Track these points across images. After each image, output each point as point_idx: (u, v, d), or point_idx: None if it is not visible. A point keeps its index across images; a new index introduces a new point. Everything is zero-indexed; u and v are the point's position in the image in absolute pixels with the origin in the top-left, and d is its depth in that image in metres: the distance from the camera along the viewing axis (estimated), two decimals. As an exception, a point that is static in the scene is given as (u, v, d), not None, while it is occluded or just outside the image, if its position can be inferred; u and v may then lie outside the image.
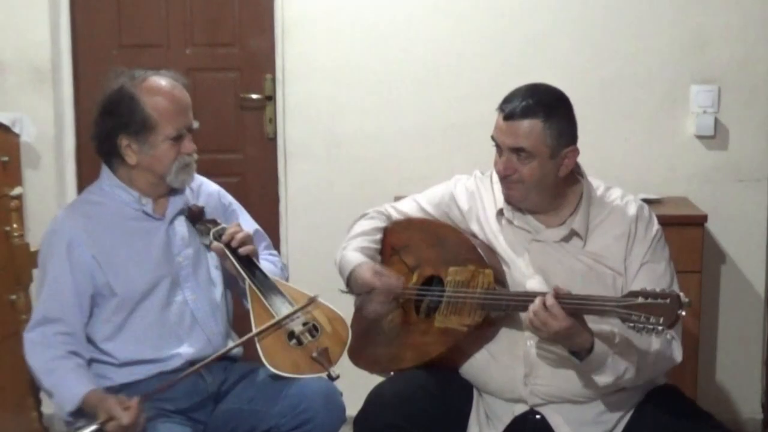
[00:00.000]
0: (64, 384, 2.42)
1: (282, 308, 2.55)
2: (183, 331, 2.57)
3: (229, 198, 2.83)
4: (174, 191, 2.65)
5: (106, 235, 2.55)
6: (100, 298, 2.53)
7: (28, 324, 2.53)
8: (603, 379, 2.35)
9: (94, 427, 2.32)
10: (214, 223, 2.66)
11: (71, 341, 2.48)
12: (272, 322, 2.51)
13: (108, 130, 2.56)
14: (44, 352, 2.46)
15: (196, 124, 2.61)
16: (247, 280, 2.58)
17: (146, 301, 2.55)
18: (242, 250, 2.60)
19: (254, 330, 2.51)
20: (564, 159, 2.47)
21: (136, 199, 2.60)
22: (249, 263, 2.61)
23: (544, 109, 2.43)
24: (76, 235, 2.53)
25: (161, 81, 2.57)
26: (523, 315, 2.41)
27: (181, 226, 2.65)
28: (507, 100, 2.48)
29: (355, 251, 2.63)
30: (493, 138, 2.51)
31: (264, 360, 2.47)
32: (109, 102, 2.57)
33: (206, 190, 2.78)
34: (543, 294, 2.32)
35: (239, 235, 2.60)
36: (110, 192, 2.61)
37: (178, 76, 2.63)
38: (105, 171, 2.63)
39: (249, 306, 2.57)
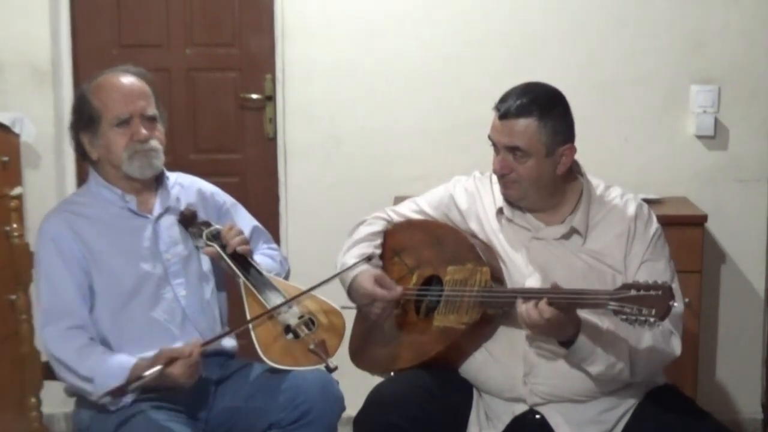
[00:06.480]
0: (105, 362, 2.42)
1: (276, 301, 2.56)
2: (174, 328, 2.58)
3: (223, 197, 2.84)
4: (159, 188, 2.68)
5: (92, 233, 2.57)
6: (91, 294, 2.54)
7: (38, 325, 2.53)
8: (594, 368, 2.36)
9: (157, 368, 2.33)
10: (207, 224, 2.67)
11: (85, 333, 2.49)
12: (266, 311, 2.52)
13: (73, 133, 2.66)
14: (68, 343, 2.46)
15: (151, 111, 2.62)
16: (241, 278, 2.59)
17: (134, 299, 2.55)
18: (239, 249, 2.62)
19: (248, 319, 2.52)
20: (561, 157, 2.48)
21: (120, 197, 2.63)
22: (244, 261, 2.63)
23: (538, 107, 2.44)
24: (60, 232, 2.55)
25: (110, 75, 2.64)
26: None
27: (169, 223, 2.66)
28: (502, 99, 2.48)
29: (356, 259, 2.63)
30: (489, 138, 2.52)
31: (261, 354, 2.47)
32: (72, 107, 2.69)
33: (198, 189, 2.78)
34: (539, 290, 2.33)
35: (233, 241, 2.62)
36: (96, 192, 2.65)
37: (137, 70, 2.67)
38: (92, 173, 2.68)
39: (245, 304, 2.58)
